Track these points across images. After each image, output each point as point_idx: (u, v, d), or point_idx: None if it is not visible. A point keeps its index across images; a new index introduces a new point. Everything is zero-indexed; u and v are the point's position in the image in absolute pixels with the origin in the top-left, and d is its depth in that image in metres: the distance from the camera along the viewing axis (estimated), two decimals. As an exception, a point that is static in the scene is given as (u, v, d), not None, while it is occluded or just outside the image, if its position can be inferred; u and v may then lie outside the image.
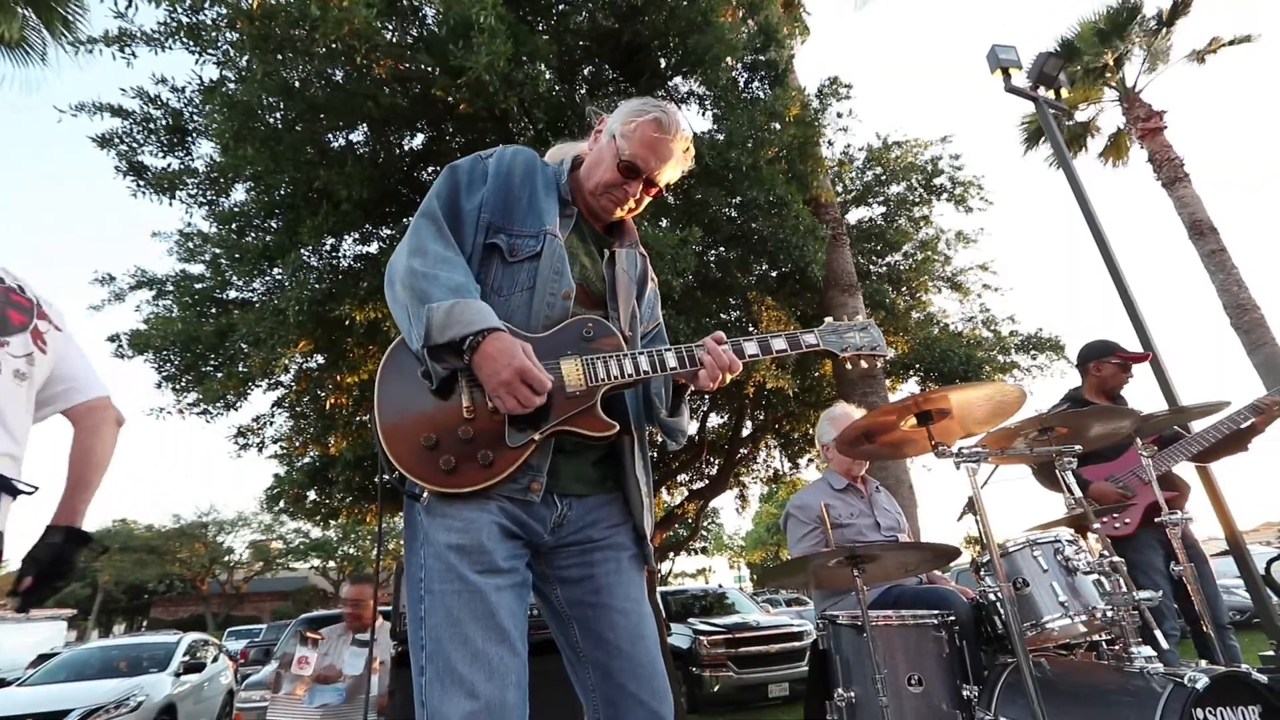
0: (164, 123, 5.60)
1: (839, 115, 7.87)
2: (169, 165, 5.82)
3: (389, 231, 6.16)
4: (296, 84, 5.01)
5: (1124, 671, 2.06)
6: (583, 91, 5.83)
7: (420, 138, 5.90)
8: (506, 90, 4.50)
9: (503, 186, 1.46)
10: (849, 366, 1.56)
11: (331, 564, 34.02)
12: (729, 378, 1.41)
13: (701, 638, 7.47)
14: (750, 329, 6.81)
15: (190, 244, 6.62)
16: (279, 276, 5.85)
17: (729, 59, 5.50)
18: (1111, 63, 12.23)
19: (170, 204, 5.89)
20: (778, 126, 5.80)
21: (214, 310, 6.18)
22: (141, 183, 5.77)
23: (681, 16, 5.19)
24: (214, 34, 4.94)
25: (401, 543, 1.42)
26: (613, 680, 1.34)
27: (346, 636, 4.00)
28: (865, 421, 2.49)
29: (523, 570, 1.30)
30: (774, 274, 6.93)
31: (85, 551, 1.68)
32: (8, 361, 1.54)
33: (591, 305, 1.46)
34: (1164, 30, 12.07)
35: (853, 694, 2.42)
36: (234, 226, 5.95)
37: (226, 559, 34.71)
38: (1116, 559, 2.26)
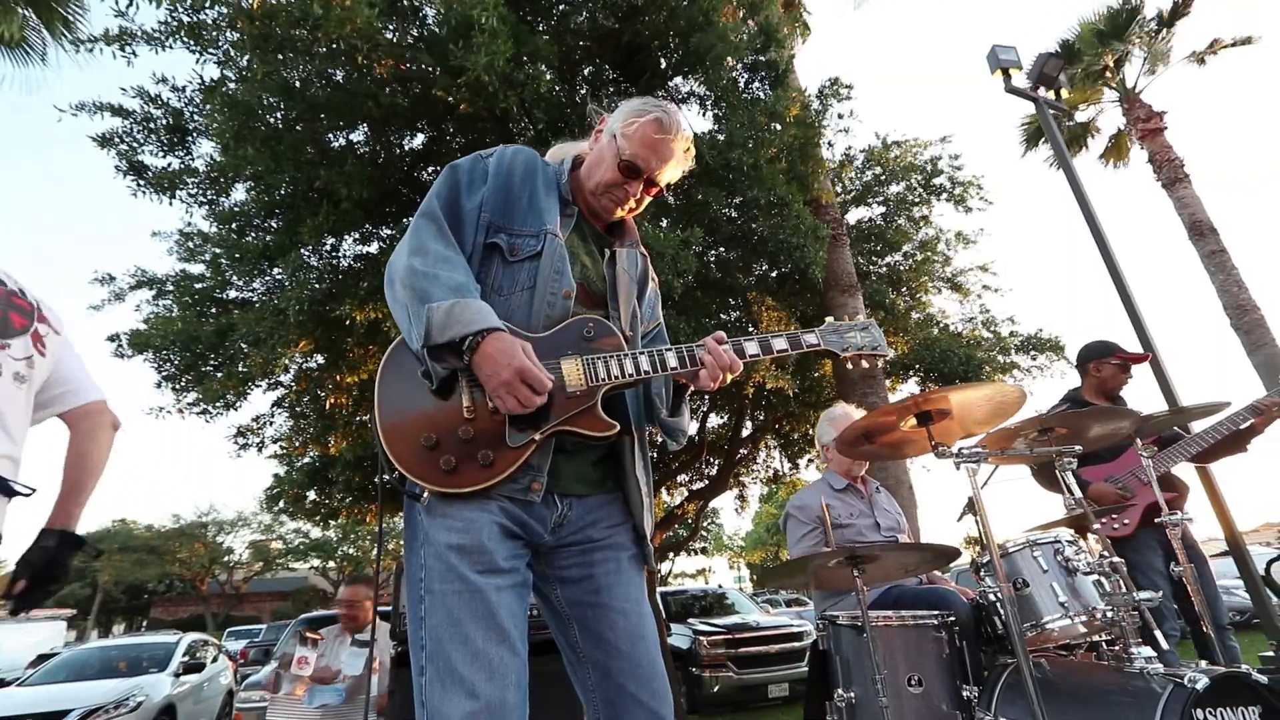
0: (164, 122, 5.61)
1: (840, 116, 7.88)
2: (169, 165, 5.82)
3: (389, 231, 6.16)
4: (297, 84, 5.01)
5: (1124, 672, 2.06)
6: (583, 92, 5.83)
7: (420, 138, 5.91)
8: (507, 90, 4.50)
9: (503, 186, 1.45)
10: (850, 366, 1.56)
11: (331, 564, 34.01)
12: (730, 378, 1.41)
13: (701, 638, 7.47)
14: (750, 329, 6.82)
15: (190, 244, 6.62)
16: (279, 276, 5.85)
17: (729, 59, 5.51)
18: (1111, 64, 12.23)
19: (170, 204, 5.89)
20: (778, 127, 5.81)
21: (214, 310, 6.18)
22: (141, 182, 5.77)
23: (682, 16, 5.19)
24: (214, 34, 4.94)
25: (401, 543, 1.42)
26: (612, 680, 1.34)
27: (344, 637, 3.99)
28: (865, 422, 2.49)
29: (523, 570, 1.30)
30: (774, 274, 6.93)
31: (79, 554, 1.67)
32: (8, 364, 1.54)
33: (592, 305, 1.46)
34: (1164, 31, 12.07)
35: (853, 694, 2.42)
36: (234, 226, 5.95)
37: (226, 559, 34.70)
38: (1116, 559, 2.26)
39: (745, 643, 7.42)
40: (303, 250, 5.51)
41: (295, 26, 4.44)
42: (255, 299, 6.18)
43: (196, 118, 5.63)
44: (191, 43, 4.95)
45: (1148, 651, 2.04)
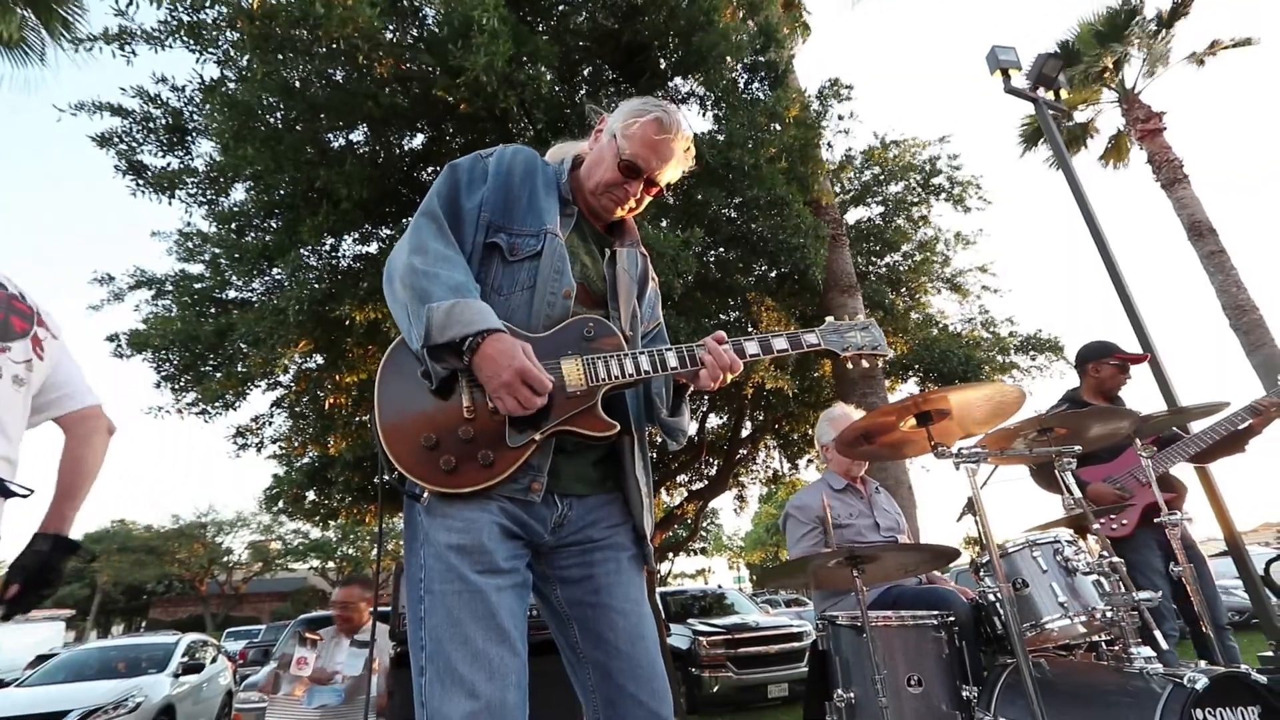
0: (164, 122, 5.61)
1: (840, 118, 7.89)
2: (168, 164, 5.82)
3: (388, 232, 6.16)
4: (297, 84, 5.01)
5: (1123, 672, 2.06)
6: (583, 92, 5.83)
7: (420, 138, 5.91)
8: (507, 91, 4.50)
9: (503, 185, 1.45)
10: (850, 366, 1.56)
11: (330, 564, 34.01)
12: (730, 377, 1.41)
13: (701, 638, 7.46)
14: (750, 329, 6.82)
15: (190, 244, 6.62)
16: (278, 276, 5.85)
17: (729, 59, 5.51)
18: (1110, 65, 12.24)
19: (170, 203, 5.89)
20: (778, 128, 5.81)
21: (213, 310, 6.18)
22: (141, 182, 5.78)
23: (682, 16, 5.20)
24: (214, 33, 4.94)
25: (401, 543, 1.42)
26: (612, 681, 1.33)
27: (339, 639, 3.99)
28: (865, 422, 2.49)
29: (523, 570, 1.30)
30: (773, 275, 6.94)
31: (74, 558, 1.67)
32: (8, 367, 1.55)
33: (592, 304, 1.46)
34: (1163, 32, 12.09)
35: (852, 695, 2.42)
36: (233, 226, 5.95)
37: (225, 559, 34.69)
38: (1116, 559, 2.26)
39: (745, 643, 7.42)
40: (302, 250, 5.51)
41: (295, 26, 4.44)
42: (255, 299, 6.18)
43: (196, 117, 5.63)
44: (191, 42, 4.95)
45: (1147, 652, 2.04)
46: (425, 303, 1.24)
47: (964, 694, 2.33)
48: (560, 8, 5.54)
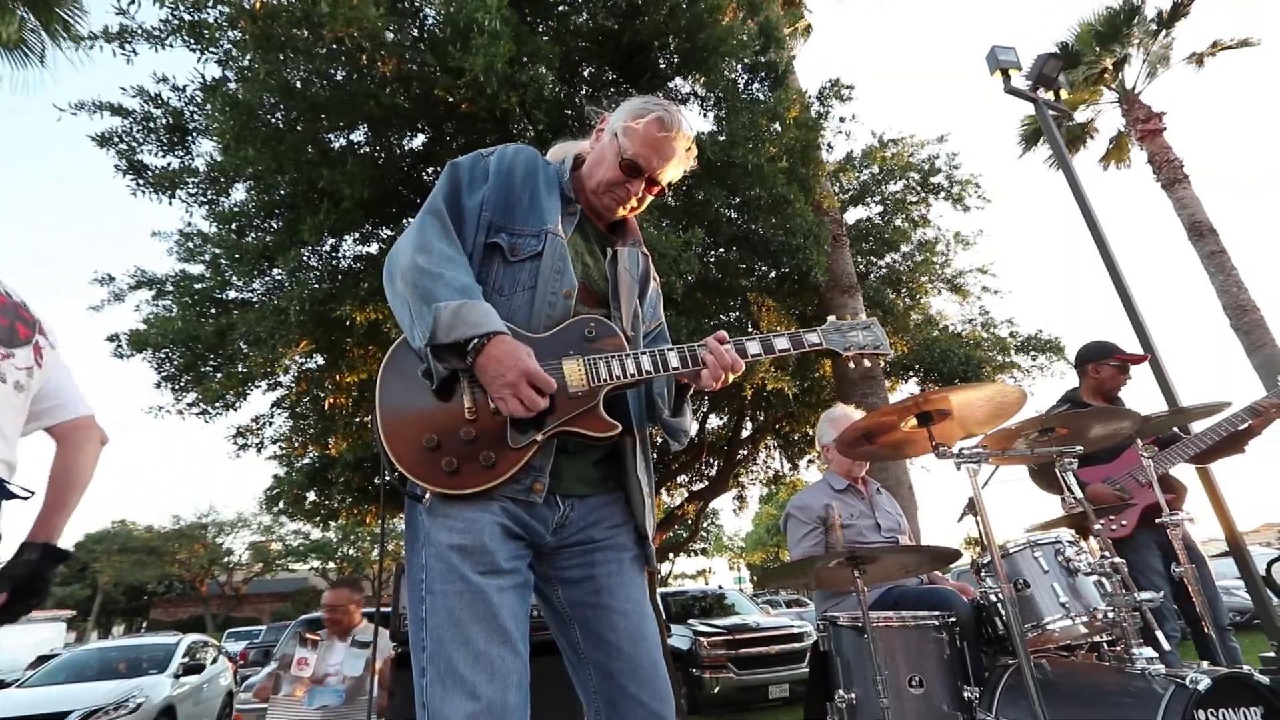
0: (164, 122, 5.60)
1: (841, 120, 7.89)
2: (169, 164, 5.82)
3: (389, 232, 6.16)
4: (298, 84, 5.01)
5: (1125, 673, 2.06)
6: (584, 93, 5.83)
7: (420, 138, 5.91)
8: (509, 91, 4.50)
9: (504, 185, 1.45)
10: (852, 365, 1.55)
11: (331, 565, 33.99)
12: (732, 377, 1.41)
13: (701, 639, 7.46)
14: (750, 329, 6.82)
15: (190, 244, 6.62)
16: (279, 277, 5.85)
17: (730, 60, 5.51)
18: (1111, 66, 12.24)
19: (170, 203, 5.89)
20: (778, 128, 5.81)
21: (214, 310, 6.18)
22: (141, 182, 5.77)
23: (682, 16, 5.20)
24: (216, 33, 4.94)
25: (401, 544, 1.42)
26: (614, 681, 1.33)
27: (331, 641, 3.98)
28: (865, 422, 2.49)
29: (524, 571, 1.29)
30: (773, 275, 6.94)
31: (62, 566, 1.67)
32: (11, 373, 1.56)
33: (594, 304, 1.46)
34: (1163, 32, 12.08)
35: (853, 695, 2.41)
36: (234, 226, 5.95)
37: (226, 560, 34.69)
38: (1118, 560, 2.26)
39: (745, 644, 7.41)
40: (303, 250, 5.51)
41: (297, 26, 4.44)
42: (255, 299, 6.18)
43: (197, 117, 5.63)
44: (192, 41, 4.95)
45: (1149, 652, 2.04)
46: (430, 302, 1.24)
47: (965, 695, 2.33)
48: (561, 8, 5.54)
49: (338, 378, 6.60)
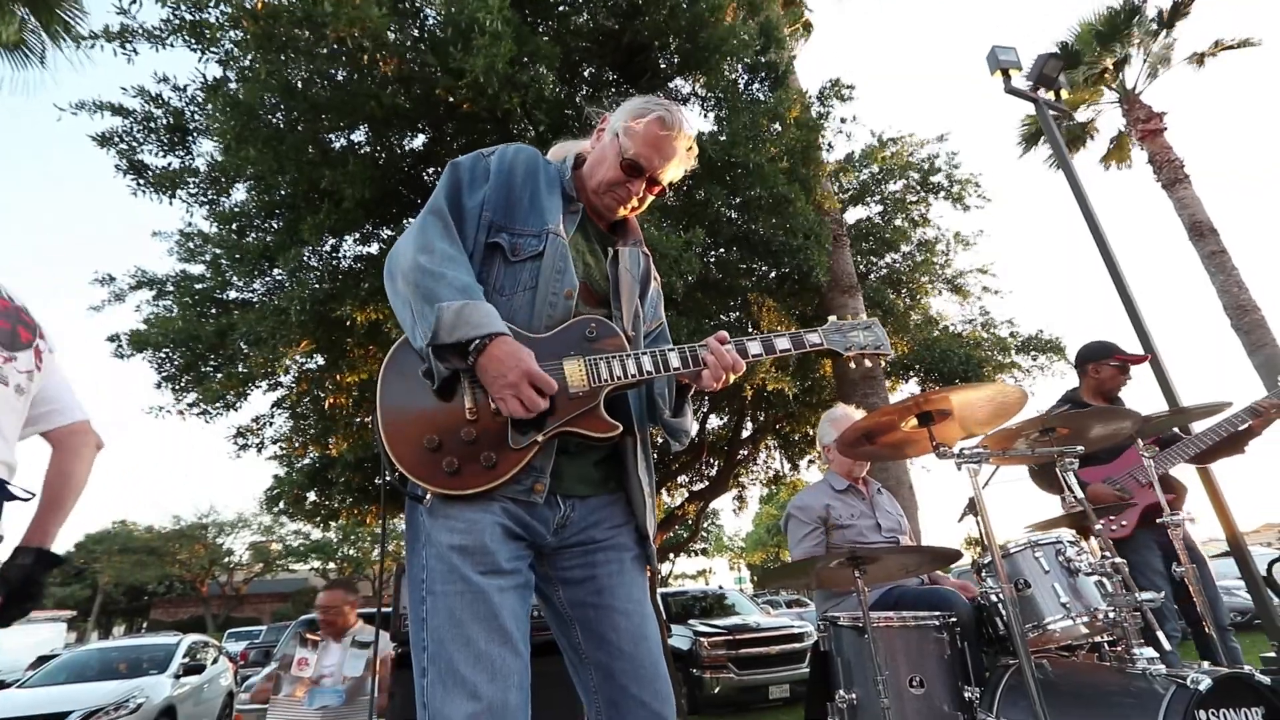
0: (165, 122, 5.60)
1: (842, 120, 7.89)
2: (169, 164, 5.82)
3: (389, 232, 6.16)
4: (299, 84, 5.01)
5: (1126, 673, 2.06)
6: (584, 93, 5.83)
7: (421, 138, 5.91)
8: (510, 92, 4.50)
9: (504, 185, 1.45)
10: (853, 366, 1.55)
11: (331, 565, 33.99)
12: (733, 378, 1.41)
13: (702, 639, 7.45)
14: (750, 330, 6.83)
15: (191, 244, 6.63)
16: (279, 277, 5.86)
17: (730, 60, 5.51)
18: (1111, 65, 12.24)
19: (170, 203, 5.89)
20: (779, 128, 5.81)
21: (214, 310, 6.18)
22: (142, 182, 5.78)
23: (682, 15, 5.20)
24: (217, 33, 4.95)
25: (402, 544, 1.42)
26: (615, 682, 1.33)
27: (327, 643, 3.98)
28: (866, 423, 2.49)
29: (525, 571, 1.29)
30: (773, 275, 6.94)
31: (58, 570, 1.67)
32: (13, 376, 1.57)
33: (595, 304, 1.46)
34: (1164, 32, 12.07)
35: (854, 695, 2.41)
36: (234, 227, 5.96)
37: (226, 560, 34.69)
38: (1119, 560, 2.26)
39: (746, 644, 7.41)
40: (303, 250, 5.51)
41: (299, 26, 4.44)
42: (255, 299, 6.19)
43: (197, 117, 5.63)
44: (193, 41, 4.96)
45: (1150, 652, 2.04)
46: (432, 302, 1.24)
47: (966, 695, 2.33)
48: (561, 8, 5.54)
49: (338, 378, 6.60)
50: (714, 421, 9.44)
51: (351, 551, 33.42)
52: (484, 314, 1.24)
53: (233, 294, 6.29)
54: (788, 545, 3.19)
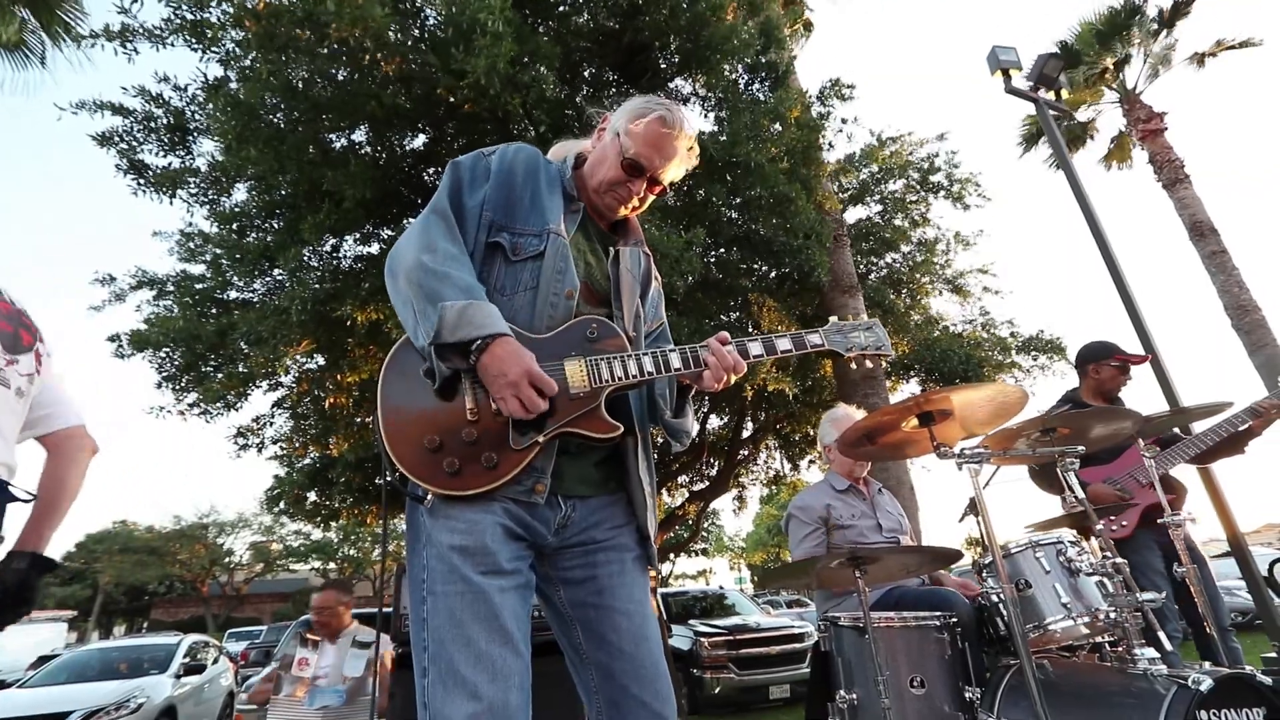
0: (165, 121, 5.61)
1: (843, 121, 7.88)
2: (170, 164, 5.83)
3: (389, 232, 6.17)
4: (299, 84, 5.01)
5: (1127, 673, 2.05)
6: (584, 93, 5.84)
7: (421, 138, 5.91)
8: (511, 93, 4.50)
9: (505, 184, 1.45)
10: (854, 366, 1.55)
11: (332, 566, 33.99)
12: (734, 379, 1.40)
13: (702, 639, 7.45)
14: (750, 329, 6.83)
15: (191, 244, 6.64)
16: (280, 277, 5.86)
17: (731, 60, 5.51)
18: (1111, 65, 12.23)
19: (171, 203, 5.90)
20: (779, 128, 5.81)
21: (215, 310, 6.19)
22: (142, 181, 5.78)
23: (682, 15, 5.20)
24: (218, 32, 4.95)
25: (402, 544, 1.42)
26: (615, 682, 1.33)
27: (322, 644, 3.97)
28: (867, 423, 2.49)
29: (526, 572, 1.29)
30: (773, 275, 6.94)
31: (50, 575, 1.67)
32: (14, 379, 1.58)
33: (596, 303, 1.46)
34: (1164, 32, 12.06)
35: (854, 696, 2.41)
36: (235, 227, 5.96)
37: (227, 560, 34.71)
38: (1119, 560, 2.26)
39: (746, 644, 7.40)
40: (304, 250, 5.52)
41: (300, 26, 4.44)
42: (256, 299, 6.19)
43: (198, 117, 5.63)
44: (193, 41, 4.96)
45: (1151, 653, 2.04)
46: (435, 301, 1.24)
47: (967, 695, 2.33)
48: (561, 8, 5.55)
49: (339, 378, 6.60)
50: (714, 421, 9.44)
51: (352, 552, 33.43)
52: (487, 314, 1.24)
53: (233, 294, 6.29)
54: (788, 545, 3.19)
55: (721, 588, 14.09)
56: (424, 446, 1.24)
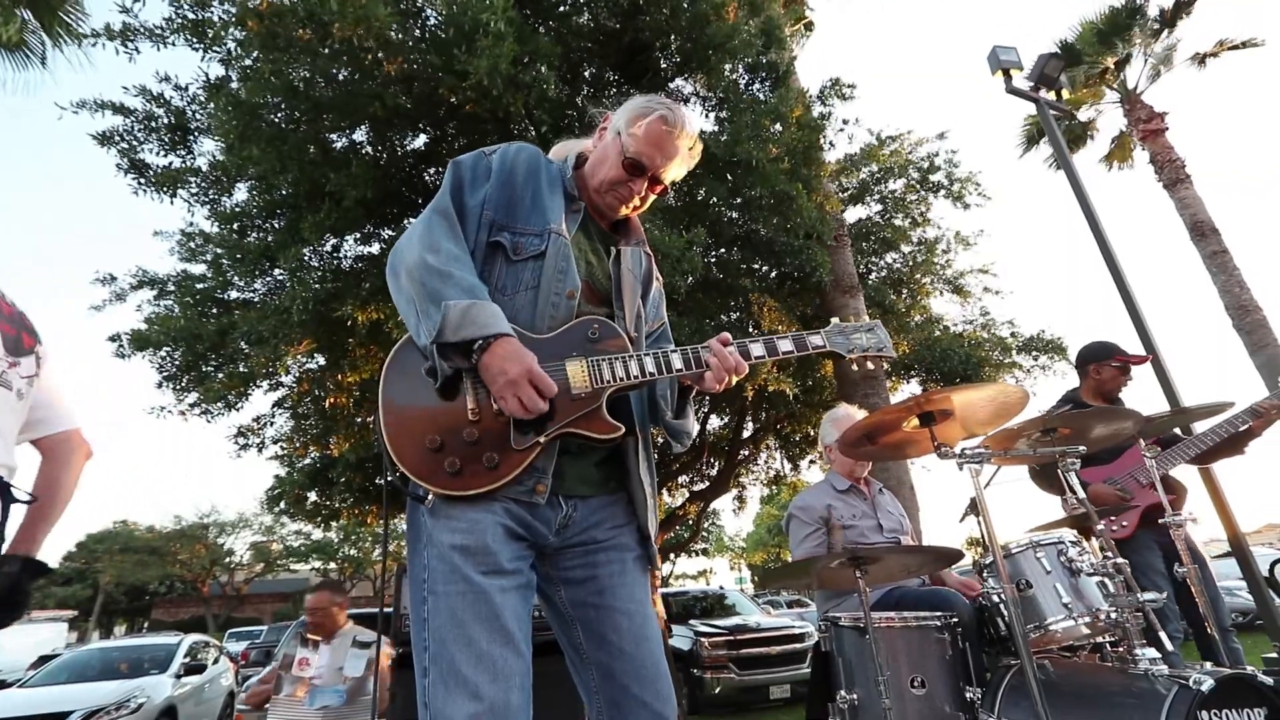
0: (166, 121, 5.61)
1: (844, 122, 7.88)
2: (170, 164, 5.83)
3: (390, 232, 6.17)
4: (300, 84, 5.01)
5: (1128, 674, 2.05)
6: (585, 94, 5.84)
7: (422, 138, 5.91)
8: (513, 93, 4.50)
9: (506, 183, 1.45)
10: (856, 368, 1.55)
11: (332, 566, 34.00)
12: (735, 380, 1.40)
13: (703, 639, 7.45)
14: (751, 330, 6.83)
15: (192, 244, 6.64)
16: (280, 276, 5.86)
17: (731, 60, 5.51)
18: (1112, 65, 12.22)
19: (171, 203, 5.90)
20: (779, 128, 5.81)
21: (215, 310, 6.19)
22: (142, 181, 5.78)
23: (683, 15, 5.20)
24: (220, 31, 4.95)
25: (403, 544, 1.42)
26: (616, 682, 1.33)
27: (319, 645, 3.97)
28: (868, 422, 2.49)
29: (527, 572, 1.29)
30: (774, 275, 6.94)
31: (43, 579, 1.67)
32: (15, 381, 1.58)
33: (597, 303, 1.46)
34: (1165, 32, 12.05)
35: (855, 696, 2.41)
36: (235, 226, 5.96)
37: (227, 560, 34.72)
38: (1120, 560, 2.25)
39: (747, 644, 7.40)
40: (304, 250, 5.52)
41: (303, 26, 4.44)
42: (256, 299, 6.19)
43: (199, 116, 5.63)
44: (194, 40, 4.96)
45: (1152, 653, 2.03)
46: (438, 301, 1.24)
47: (968, 695, 2.33)
48: (561, 8, 5.54)
49: (339, 378, 6.60)
50: (715, 422, 9.44)
51: (352, 552, 33.44)
52: (489, 314, 1.24)
53: (234, 293, 6.29)
54: (789, 545, 3.19)
55: (722, 588, 14.09)
56: (425, 446, 1.24)
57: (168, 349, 6.18)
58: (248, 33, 4.68)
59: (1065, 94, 6.30)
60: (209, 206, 6.14)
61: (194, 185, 5.94)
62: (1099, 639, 2.42)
